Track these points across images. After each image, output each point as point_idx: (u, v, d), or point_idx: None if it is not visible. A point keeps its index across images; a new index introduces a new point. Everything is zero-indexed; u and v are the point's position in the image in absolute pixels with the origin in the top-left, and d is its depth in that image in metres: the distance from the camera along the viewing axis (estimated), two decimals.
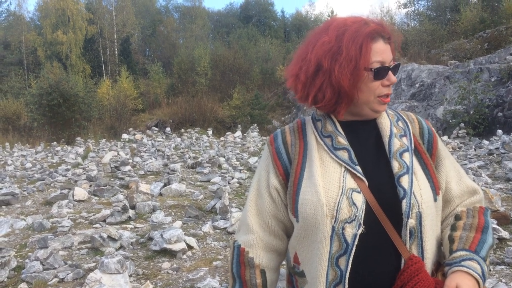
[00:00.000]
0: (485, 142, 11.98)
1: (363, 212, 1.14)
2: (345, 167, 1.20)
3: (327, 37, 1.21)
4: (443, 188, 1.28)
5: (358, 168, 1.19)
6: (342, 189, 1.16)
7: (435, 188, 1.23)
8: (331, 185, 1.17)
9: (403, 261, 1.15)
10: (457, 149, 11.63)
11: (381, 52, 1.20)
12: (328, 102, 1.22)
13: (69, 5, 35.24)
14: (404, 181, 1.17)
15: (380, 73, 1.21)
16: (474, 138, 13.50)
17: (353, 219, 1.13)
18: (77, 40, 34.84)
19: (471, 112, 15.75)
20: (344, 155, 1.21)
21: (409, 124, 1.32)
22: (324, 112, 1.30)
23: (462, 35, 23.80)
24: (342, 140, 1.24)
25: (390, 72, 1.23)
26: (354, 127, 1.28)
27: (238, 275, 1.33)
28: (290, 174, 1.28)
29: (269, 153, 1.34)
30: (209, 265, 4.52)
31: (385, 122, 1.29)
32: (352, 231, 1.13)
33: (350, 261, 1.13)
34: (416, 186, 1.18)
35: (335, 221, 1.14)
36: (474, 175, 7.01)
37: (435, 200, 1.21)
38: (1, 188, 8.61)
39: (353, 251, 1.13)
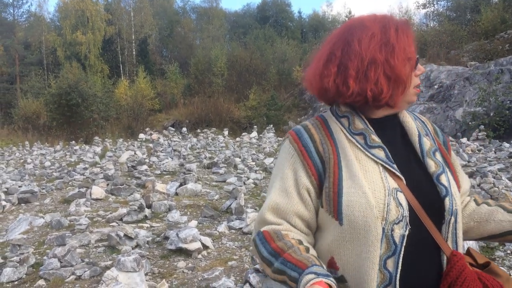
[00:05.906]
0: (506, 144, 11.74)
1: (409, 212, 1.14)
2: (382, 166, 1.16)
3: (370, 31, 1.18)
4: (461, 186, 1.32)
5: (396, 166, 1.17)
6: (388, 189, 1.13)
7: (457, 186, 1.26)
8: (376, 185, 1.13)
9: (444, 257, 1.16)
10: (477, 151, 11.42)
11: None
12: (386, 94, 1.17)
13: (88, 6, 35.72)
14: (444, 179, 1.20)
15: (417, 63, 1.24)
16: (494, 140, 13.25)
17: (401, 220, 1.11)
18: (95, 40, 35.25)
19: (491, 114, 15.46)
20: (380, 153, 1.18)
21: (426, 124, 1.34)
22: (350, 109, 1.25)
23: (482, 36, 23.36)
24: (376, 138, 1.20)
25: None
26: (381, 124, 1.24)
27: (272, 253, 1.14)
28: (322, 174, 1.19)
29: (294, 150, 1.23)
30: (224, 265, 4.52)
31: (410, 121, 1.29)
32: (400, 232, 1.11)
33: (400, 263, 1.10)
34: (453, 185, 1.22)
35: (385, 222, 1.11)
36: (494, 178, 6.86)
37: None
38: (20, 186, 8.76)
39: (402, 252, 1.10)
